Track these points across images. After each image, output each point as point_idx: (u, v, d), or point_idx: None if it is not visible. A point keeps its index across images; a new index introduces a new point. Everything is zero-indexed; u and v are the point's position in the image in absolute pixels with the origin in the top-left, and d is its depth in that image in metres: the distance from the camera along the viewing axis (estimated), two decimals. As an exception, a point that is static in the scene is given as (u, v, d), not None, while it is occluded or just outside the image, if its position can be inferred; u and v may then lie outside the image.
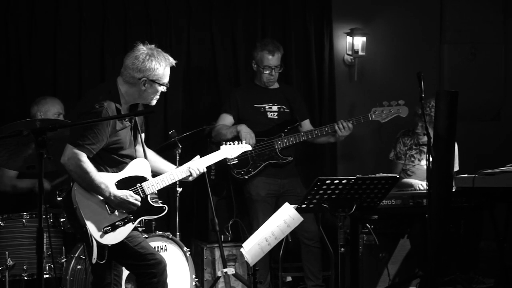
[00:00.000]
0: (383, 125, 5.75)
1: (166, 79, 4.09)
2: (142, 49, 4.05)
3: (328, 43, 6.63)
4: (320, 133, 5.59)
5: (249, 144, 5.44)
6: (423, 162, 5.83)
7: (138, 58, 4.01)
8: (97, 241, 3.90)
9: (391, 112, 5.63)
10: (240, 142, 4.65)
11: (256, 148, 5.57)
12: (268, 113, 5.72)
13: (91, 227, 3.90)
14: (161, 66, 4.04)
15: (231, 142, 4.60)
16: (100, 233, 3.91)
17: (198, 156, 4.37)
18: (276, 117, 5.72)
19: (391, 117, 5.64)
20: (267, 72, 5.68)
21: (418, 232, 5.41)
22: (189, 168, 4.27)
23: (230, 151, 4.54)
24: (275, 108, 5.74)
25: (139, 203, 4.02)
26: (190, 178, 4.31)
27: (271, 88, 5.80)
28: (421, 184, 5.69)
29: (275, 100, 5.75)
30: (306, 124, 5.86)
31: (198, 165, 4.31)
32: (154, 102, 4.15)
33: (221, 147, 4.54)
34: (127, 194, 3.99)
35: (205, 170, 4.37)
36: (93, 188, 3.91)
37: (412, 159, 5.91)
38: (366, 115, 5.60)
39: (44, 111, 5.35)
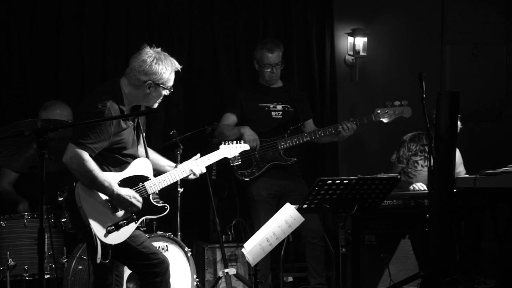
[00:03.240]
0: (384, 125, 5.73)
1: (170, 83, 4.11)
2: (150, 52, 4.05)
3: (329, 43, 6.63)
4: (324, 133, 5.59)
5: (253, 146, 5.46)
6: (426, 168, 5.82)
7: (146, 61, 4.01)
8: (101, 241, 3.91)
9: (395, 112, 5.61)
10: (238, 141, 4.65)
11: (259, 149, 5.57)
12: (272, 112, 5.72)
13: (95, 227, 3.90)
14: (167, 71, 4.06)
15: (230, 142, 4.61)
16: (104, 232, 3.92)
17: (198, 155, 4.39)
18: (281, 116, 5.72)
19: (394, 117, 5.62)
20: (268, 70, 5.68)
21: (419, 232, 5.41)
22: (191, 169, 4.28)
23: (229, 150, 4.56)
24: (279, 107, 5.73)
25: (140, 206, 4.02)
26: (192, 177, 4.32)
27: (275, 87, 5.79)
28: (415, 185, 5.69)
29: (280, 99, 5.75)
30: (310, 124, 5.85)
31: (200, 165, 4.32)
32: (156, 105, 4.16)
33: (220, 146, 4.56)
34: (131, 195, 4.00)
35: (205, 170, 4.39)
36: (96, 186, 3.92)
37: (416, 164, 5.89)
38: (370, 116, 5.59)
39: (53, 117, 5.31)
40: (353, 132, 5.58)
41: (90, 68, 6.07)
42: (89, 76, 6.05)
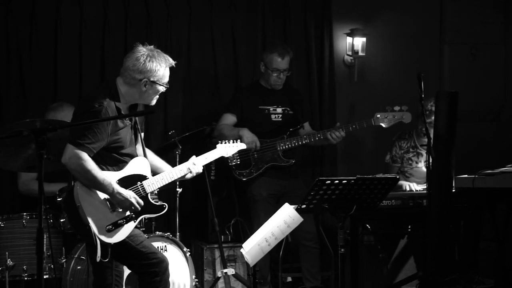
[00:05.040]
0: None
1: (166, 80, 4.13)
2: (142, 50, 4.07)
3: (328, 43, 6.63)
4: (313, 138, 5.60)
5: (252, 148, 5.47)
6: (420, 164, 5.83)
7: (139, 59, 4.03)
8: (100, 240, 3.91)
9: (395, 117, 5.63)
10: (235, 140, 4.65)
11: (258, 150, 5.57)
12: (272, 115, 5.72)
13: (94, 225, 3.91)
14: (162, 67, 4.07)
15: (227, 141, 4.62)
16: (103, 231, 3.93)
17: (194, 156, 4.39)
18: (280, 119, 5.73)
19: (394, 122, 5.64)
20: (275, 74, 5.67)
21: (419, 232, 5.41)
22: (188, 167, 4.29)
23: (226, 149, 4.57)
24: (279, 110, 5.74)
25: (139, 208, 4.03)
26: (189, 176, 4.32)
27: (275, 89, 5.79)
28: (408, 185, 5.69)
29: (280, 102, 5.75)
30: (306, 127, 5.88)
31: (198, 163, 4.33)
32: (153, 102, 4.19)
33: (217, 145, 4.57)
34: (131, 195, 4.00)
35: (202, 169, 4.39)
36: (96, 185, 3.92)
37: (410, 161, 5.90)
38: (369, 120, 5.60)
39: (60, 118, 5.30)
40: (342, 139, 5.60)
41: (89, 69, 6.07)
42: (88, 77, 6.05)
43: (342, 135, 5.57)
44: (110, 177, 3.98)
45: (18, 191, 5.37)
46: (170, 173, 4.24)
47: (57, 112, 5.31)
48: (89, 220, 3.90)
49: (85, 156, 3.87)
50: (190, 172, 4.32)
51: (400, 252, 5.58)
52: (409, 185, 5.66)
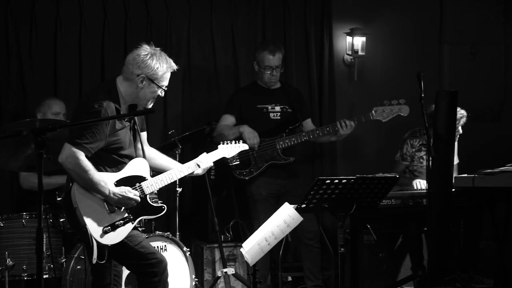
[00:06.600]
0: (383, 124, 5.74)
1: (165, 82, 4.09)
2: (146, 48, 4.07)
3: (328, 43, 6.64)
4: (322, 133, 5.59)
5: (253, 143, 5.47)
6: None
7: (140, 54, 4.03)
8: (97, 241, 3.90)
9: (392, 111, 5.62)
10: (237, 141, 4.65)
11: (258, 149, 5.57)
12: (270, 113, 5.73)
13: (91, 227, 3.90)
14: (162, 67, 4.04)
15: (228, 142, 4.61)
16: (100, 233, 3.92)
17: (204, 153, 4.39)
18: (279, 117, 5.73)
19: (392, 116, 5.64)
20: (268, 72, 5.68)
21: (414, 232, 5.42)
22: (188, 167, 4.28)
23: (227, 150, 4.55)
24: (277, 108, 5.74)
25: (138, 198, 4.02)
26: (200, 171, 4.31)
27: (273, 88, 5.80)
28: (418, 182, 5.68)
29: (278, 100, 5.76)
30: (308, 123, 5.87)
31: (207, 160, 4.35)
32: (150, 106, 4.14)
33: (219, 146, 4.55)
34: (126, 190, 3.99)
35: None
36: (92, 186, 3.91)
37: (421, 160, 5.89)
38: (367, 114, 5.60)
39: (43, 112, 5.38)
40: (351, 130, 5.57)
41: (89, 69, 6.07)
42: (88, 77, 6.05)
43: (352, 125, 5.53)
44: (108, 179, 3.97)
45: (20, 189, 5.38)
46: (169, 175, 4.23)
47: (41, 106, 5.43)
48: (86, 221, 3.89)
49: (82, 156, 3.86)
50: (199, 167, 4.30)
51: (400, 251, 5.59)
52: (419, 182, 5.65)
